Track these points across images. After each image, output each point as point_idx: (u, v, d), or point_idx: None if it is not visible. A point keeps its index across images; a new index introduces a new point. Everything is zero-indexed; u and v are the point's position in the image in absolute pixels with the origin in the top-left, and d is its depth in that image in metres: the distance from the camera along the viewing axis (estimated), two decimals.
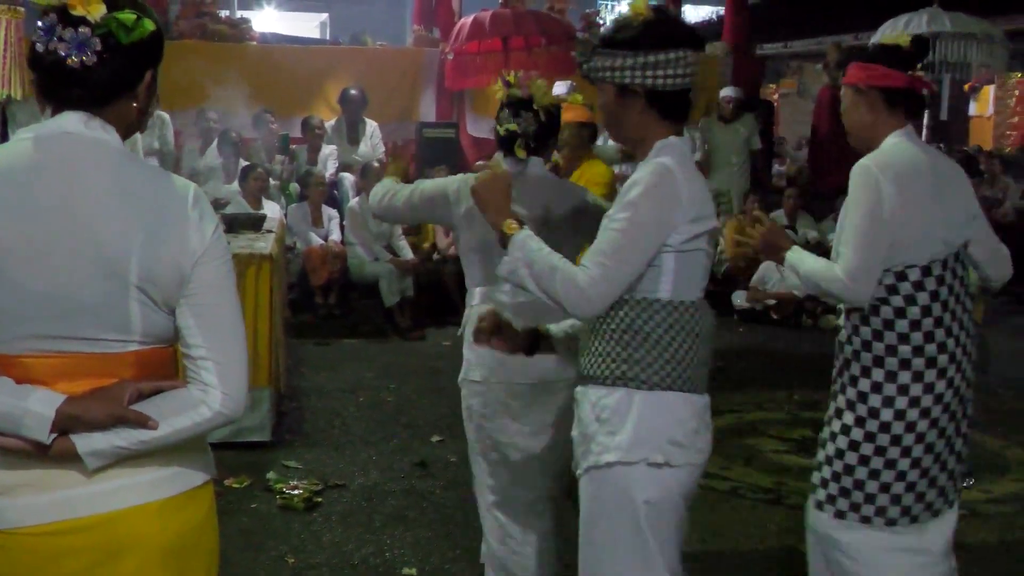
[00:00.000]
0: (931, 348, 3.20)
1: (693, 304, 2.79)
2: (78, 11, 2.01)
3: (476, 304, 3.77)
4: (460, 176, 3.88)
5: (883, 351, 3.21)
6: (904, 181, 3.17)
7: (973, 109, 21.75)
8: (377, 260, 9.42)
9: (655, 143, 2.81)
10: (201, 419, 2.03)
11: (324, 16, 24.05)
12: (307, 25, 23.09)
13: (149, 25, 2.08)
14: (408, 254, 9.50)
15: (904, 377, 3.19)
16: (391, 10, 20.62)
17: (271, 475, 5.50)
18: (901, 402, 3.18)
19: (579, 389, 2.89)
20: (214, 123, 10.02)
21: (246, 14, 15.19)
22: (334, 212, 9.83)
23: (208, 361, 2.05)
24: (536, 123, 3.78)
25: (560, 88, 9.70)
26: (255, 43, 11.51)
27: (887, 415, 3.19)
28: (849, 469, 3.24)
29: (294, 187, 9.93)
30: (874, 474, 3.21)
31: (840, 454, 3.25)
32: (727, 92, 11.30)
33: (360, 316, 9.40)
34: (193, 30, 11.06)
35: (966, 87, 21.27)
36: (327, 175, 10.05)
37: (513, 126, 3.77)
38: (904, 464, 3.20)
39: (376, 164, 9.91)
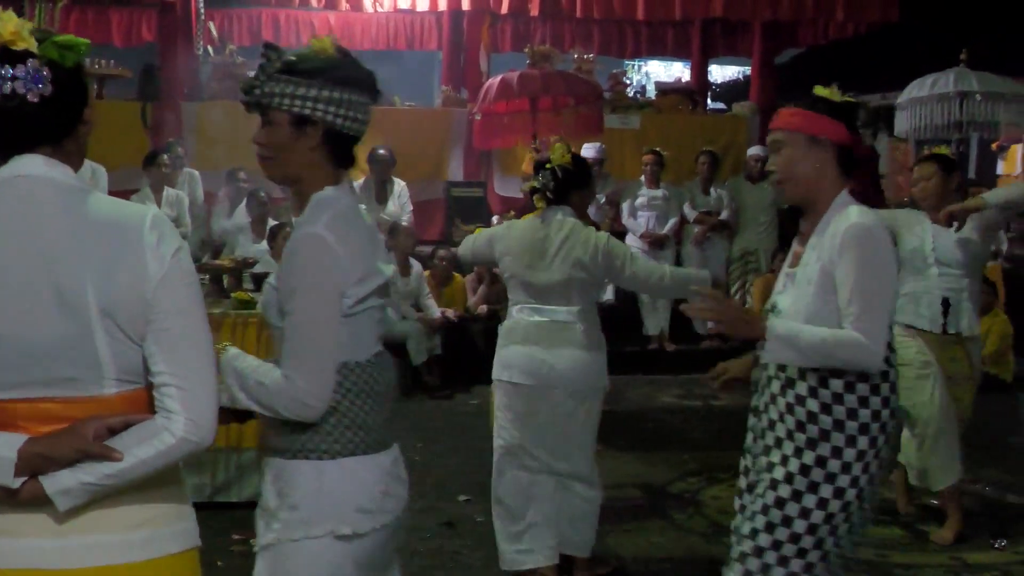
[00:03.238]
0: (885, 413, 3.13)
1: (369, 363, 2.65)
2: (19, 45, 1.95)
3: (512, 317, 4.84)
4: (501, 225, 5.15)
5: (844, 415, 3.09)
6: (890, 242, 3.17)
7: (1001, 168, 21.68)
8: (405, 319, 9.44)
9: (313, 193, 2.66)
10: (165, 447, 1.98)
11: None
12: None
13: (83, 40, 2.04)
14: (435, 312, 9.51)
15: (863, 443, 3.10)
16: (419, 71, 20.81)
17: None
18: (857, 468, 3.10)
19: (264, 460, 2.73)
20: (244, 182, 10.11)
21: None
22: None
23: (171, 387, 2.00)
24: (553, 179, 4.73)
25: (589, 151, 9.79)
26: None
27: (843, 481, 3.09)
28: (795, 538, 3.13)
29: None
30: (819, 544, 3.13)
31: (788, 522, 3.13)
32: (755, 151, 11.31)
33: None
34: (224, 91, 11.20)
35: (994, 146, 21.23)
36: None
37: (533, 183, 4.79)
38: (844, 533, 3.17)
39: (404, 223, 9.97)
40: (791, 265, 3.30)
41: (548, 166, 4.78)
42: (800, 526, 3.11)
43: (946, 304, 5.47)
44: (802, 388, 3.12)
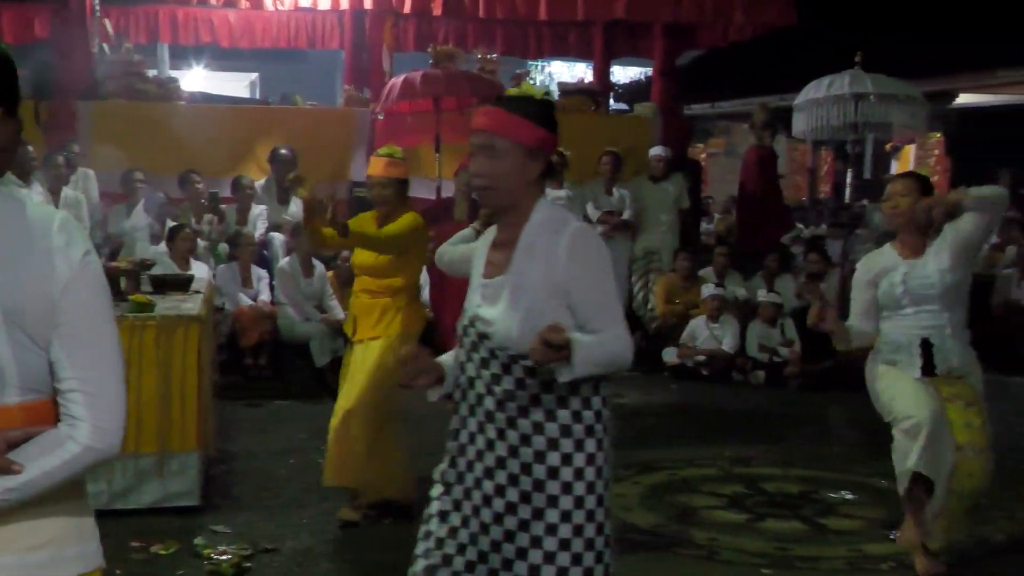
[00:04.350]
0: (606, 412, 3.05)
1: None
2: None
3: None
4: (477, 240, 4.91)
5: (569, 418, 2.96)
6: None
7: (895, 168, 22.22)
8: (308, 320, 9.36)
9: None
10: (69, 456, 1.89)
11: (254, 76, 23.94)
12: (236, 85, 22.99)
13: (1, 44, 1.97)
14: (339, 313, 9.43)
15: (591, 445, 2.99)
16: (322, 70, 20.64)
17: (199, 540, 5.39)
18: (591, 473, 2.98)
19: None
20: (141, 183, 9.93)
21: (174, 74, 15.13)
22: (264, 272, 9.76)
23: (77, 393, 1.91)
24: None
25: None
26: (183, 103, 11.46)
27: (580, 488, 2.95)
28: (550, 557, 2.92)
29: (223, 247, 9.85)
30: (577, 560, 2.94)
31: (537, 542, 2.92)
32: (656, 151, 11.44)
33: (291, 377, 9.31)
34: (121, 90, 10.99)
35: (888, 147, 21.75)
36: (257, 235, 9.99)
37: None
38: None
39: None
40: (487, 276, 3.10)
41: None
42: (552, 544, 2.92)
43: (927, 345, 4.91)
44: (524, 398, 2.94)
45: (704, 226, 14.66)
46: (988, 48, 14.86)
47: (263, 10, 13.08)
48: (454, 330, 3.16)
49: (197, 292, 6.89)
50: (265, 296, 9.56)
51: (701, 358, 10.22)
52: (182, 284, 7.02)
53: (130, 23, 13.33)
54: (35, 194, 8.98)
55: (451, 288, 7.91)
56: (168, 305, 6.24)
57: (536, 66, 24.12)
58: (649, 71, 16.34)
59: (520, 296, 2.96)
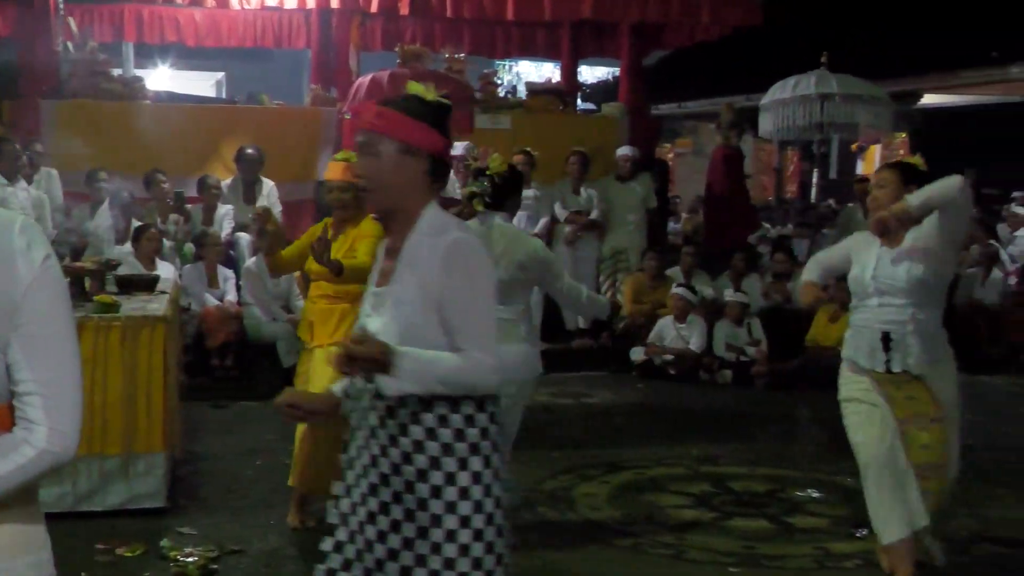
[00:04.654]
0: (493, 429, 2.93)
1: None
2: None
3: None
4: None
5: (451, 437, 2.85)
6: None
7: (860, 168, 22.39)
8: (275, 320, 9.31)
9: None
10: (25, 460, 1.86)
11: (220, 75, 23.81)
12: (202, 84, 22.86)
13: None
14: None
15: (476, 464, 2.88)
16: (288, 69, 20.56)
17: (165, 542, 5.36)
18: (477, 492, 2.86)
19: None
20: (105, 183, 9.85)
21: (140, 72, 15.01)
22: (230, 272, 9.70)
23: (34, 396, 1.88)
24: (492, 185, 5.04)
25: (459, 148, 9.78)
26: (149, 102, 11.38)
27: (466, 508, 2.84)
28: None
29: (189, 247, 9.78)
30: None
31: (422, 561, 2.83)
32: (624, 151, 11.46)
33: (258, 377, 9.25)
34: (86, 89, 10.89)
35: (853, 147, 21.89)
36: (223, 235, 9.93)
37: (472, 188, 5.06)
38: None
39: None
40: (377, 284, 3.02)
41: (488, 172, 5.10)
42: (436, 563, 2.82)
43: (887, 339, 4.76)
44: (404, 415, 2.85)
45: (671, 226, 14.70)
46: (952, 49, 14.99)
47: (229, 9, 12.98)
48: None
49: (163, 292, 6.85)
50: (231, 296, 9.50)
51: (668, 357, 10.25)
52: (147, 284, 6.97)
53: (95, 21, 13.21)
54: (20, 191, 8.95)
55: None
56: (134, 306, 6.19)
57: (504, 66, 24.11)
58: (616, 71, 16.36)
59: (400, 308, 2.88)
